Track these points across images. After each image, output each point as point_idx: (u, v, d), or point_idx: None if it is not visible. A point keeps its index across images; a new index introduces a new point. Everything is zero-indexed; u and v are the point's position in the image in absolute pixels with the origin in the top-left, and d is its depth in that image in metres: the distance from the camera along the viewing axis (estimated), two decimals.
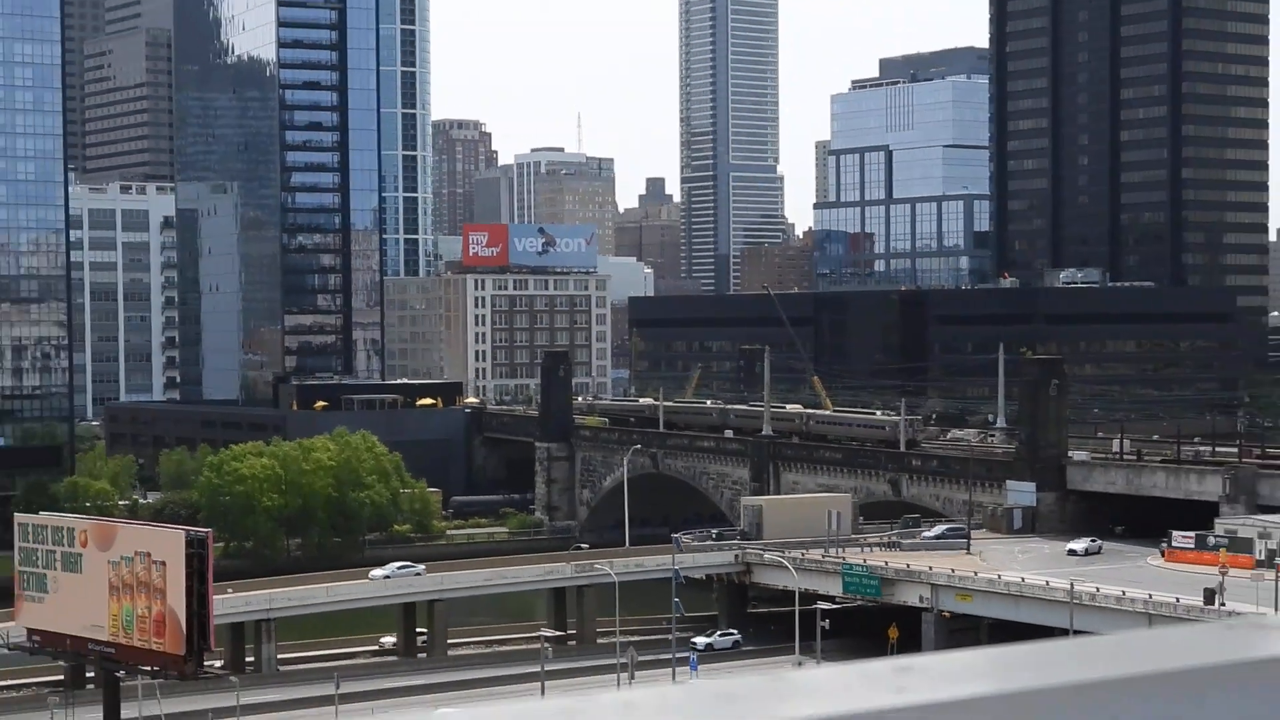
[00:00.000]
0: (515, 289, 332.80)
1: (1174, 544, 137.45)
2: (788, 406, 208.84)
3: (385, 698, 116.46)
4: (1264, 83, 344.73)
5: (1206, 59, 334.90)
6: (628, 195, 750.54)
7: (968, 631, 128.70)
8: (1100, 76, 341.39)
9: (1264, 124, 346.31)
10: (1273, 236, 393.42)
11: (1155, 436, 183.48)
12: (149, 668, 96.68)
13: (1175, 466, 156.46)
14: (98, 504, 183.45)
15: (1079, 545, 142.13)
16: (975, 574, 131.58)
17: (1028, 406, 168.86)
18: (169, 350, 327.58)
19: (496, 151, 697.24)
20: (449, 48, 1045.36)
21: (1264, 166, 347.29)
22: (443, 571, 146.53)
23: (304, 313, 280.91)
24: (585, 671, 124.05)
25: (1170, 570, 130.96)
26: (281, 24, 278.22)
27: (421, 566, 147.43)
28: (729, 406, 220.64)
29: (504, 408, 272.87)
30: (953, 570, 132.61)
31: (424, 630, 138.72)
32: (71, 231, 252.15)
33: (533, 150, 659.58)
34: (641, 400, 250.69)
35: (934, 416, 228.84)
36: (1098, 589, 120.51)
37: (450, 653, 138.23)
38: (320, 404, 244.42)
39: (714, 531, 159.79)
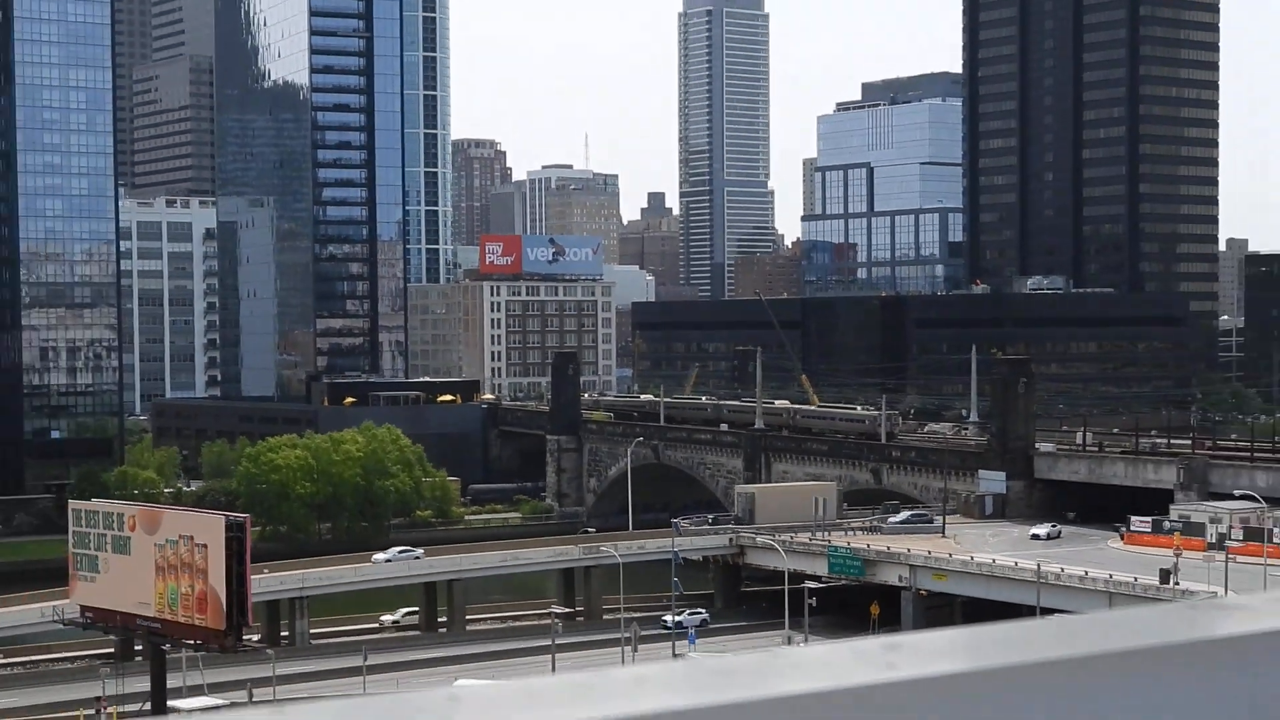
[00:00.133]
0: (528, 295, 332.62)
1: (1132, 528, 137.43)
2: (776, 402, 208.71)
3: (409, 669, 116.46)
4: (1214, 105, 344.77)
5: (1162, 84, 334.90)
6: (631, 208, 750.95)
7: (943, 608, 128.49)
8: (1064, 100, 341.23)
9: (1214, 143, 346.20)
10: (1222, 246, 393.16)
11: (1115, 430, 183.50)
12: (192, 641, 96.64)
13: (1133, 457, 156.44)
14: (145, 492, 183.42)
15: (1041, 530, 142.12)
16: (950, 556, 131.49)
17: (998, 402, 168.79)
18: (210, 351, 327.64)
19: (511, 168, 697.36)
20: (468, 73, 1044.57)
21: (1214, 182, 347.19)
22: (461, 554, 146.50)
23: (334, 316, 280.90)
24: (592, 645, 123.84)
25: (1129, 552, 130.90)
26: (314, 51, 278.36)
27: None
28: (722, 402, 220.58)
29: (517, 403, 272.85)
30: (929, 552, 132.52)
31: (422, 609, 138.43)
32: (121, 242, 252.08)
33: (544, 167, 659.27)
34: (643, 397, 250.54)
35: (912, 411, 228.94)
36: (1062, 569, 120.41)
37: (468, 628, 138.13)
38: (349, 400, 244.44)
39: (710, 517, 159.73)
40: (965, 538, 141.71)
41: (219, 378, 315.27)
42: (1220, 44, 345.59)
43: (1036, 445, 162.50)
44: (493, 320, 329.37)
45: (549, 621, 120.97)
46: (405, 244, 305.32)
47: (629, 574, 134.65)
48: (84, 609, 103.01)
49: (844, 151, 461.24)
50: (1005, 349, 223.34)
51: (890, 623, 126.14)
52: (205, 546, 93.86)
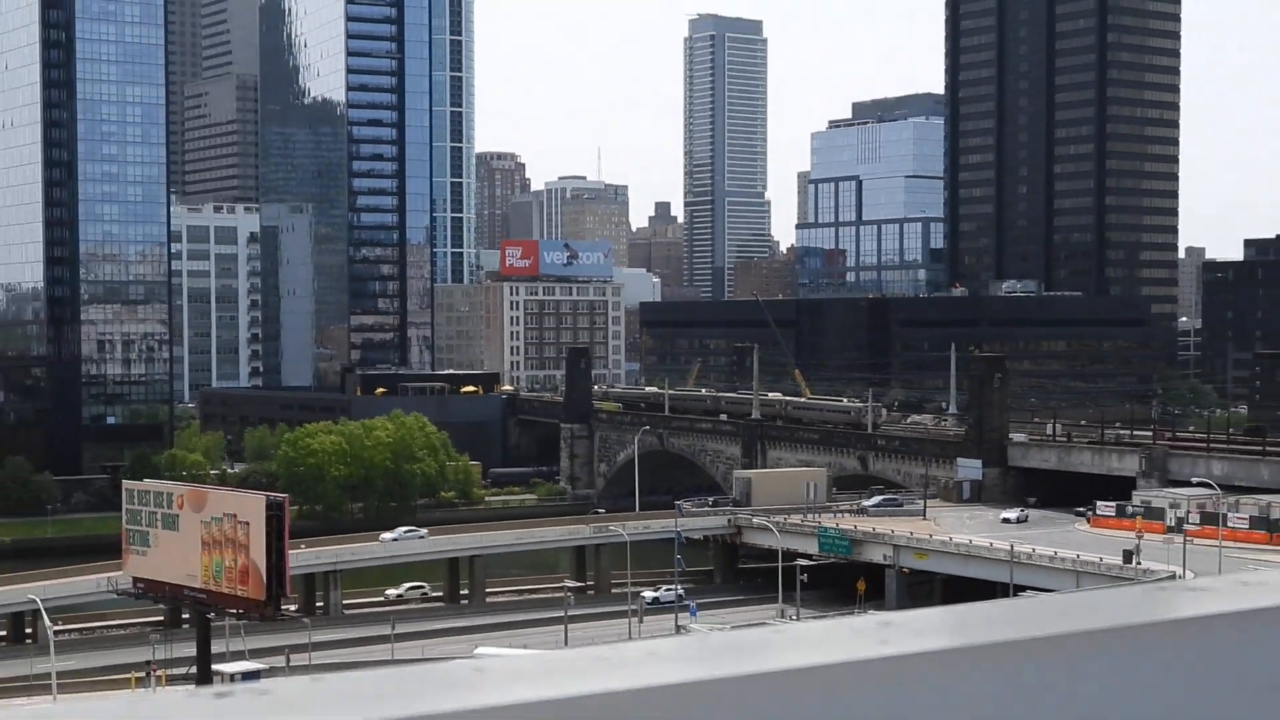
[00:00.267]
0: (544, 295, 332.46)
1: (1098, 512, 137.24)
2: (770, 394, 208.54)
3: (433, 637, 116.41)
4: (1175, 125, 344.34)
5: (1127, 105, 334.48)
6: (639, 216, 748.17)
7: (924, 585, 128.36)
8: (1037, 119, 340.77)
9: (1174, 160, 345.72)
10: (1181, 254, 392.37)
11: (1082, 422, 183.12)
12: (234, 611, 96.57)
13: (1099, 447, 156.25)
14: (192, 473, 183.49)
15: (1011, 514, 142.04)
16: (930, 536, 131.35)
17: (975, 396, 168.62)
18: (253, 344, 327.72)
19: (529, 179, 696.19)
20: (491, 91, 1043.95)
21: (1174, 195, 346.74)
22: (481, 532, 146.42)
23: (367, 314, 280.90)
24: (601, 616, 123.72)
25: (1095, 534, 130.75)
26: (350, 71, 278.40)
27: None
28: (721, 394, 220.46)
29: (534, 394, 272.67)
30: (911, 533, 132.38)
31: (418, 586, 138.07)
32: (172, 244, 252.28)
33: (559, 178, 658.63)
34: (649, 389, 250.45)
35: (896, 404, 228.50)
36: (1034, 550, 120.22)
37: (488, 600, 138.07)
38: (380, 390, 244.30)
39: (710, 499, 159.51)
40: (944, 520, 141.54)
41: (261, 369, 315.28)
42: (1181, 70, 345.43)
43: (1010, 435, 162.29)
44: (512, 318, 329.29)
45: (562, 595, 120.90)
46: (432, 247, 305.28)
47: (635, 552, 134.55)
48: (136, 580, 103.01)
49: (835, 165, 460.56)
50: (982, 347, 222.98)
51: (875, 598, 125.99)
52: (247, 524, 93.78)
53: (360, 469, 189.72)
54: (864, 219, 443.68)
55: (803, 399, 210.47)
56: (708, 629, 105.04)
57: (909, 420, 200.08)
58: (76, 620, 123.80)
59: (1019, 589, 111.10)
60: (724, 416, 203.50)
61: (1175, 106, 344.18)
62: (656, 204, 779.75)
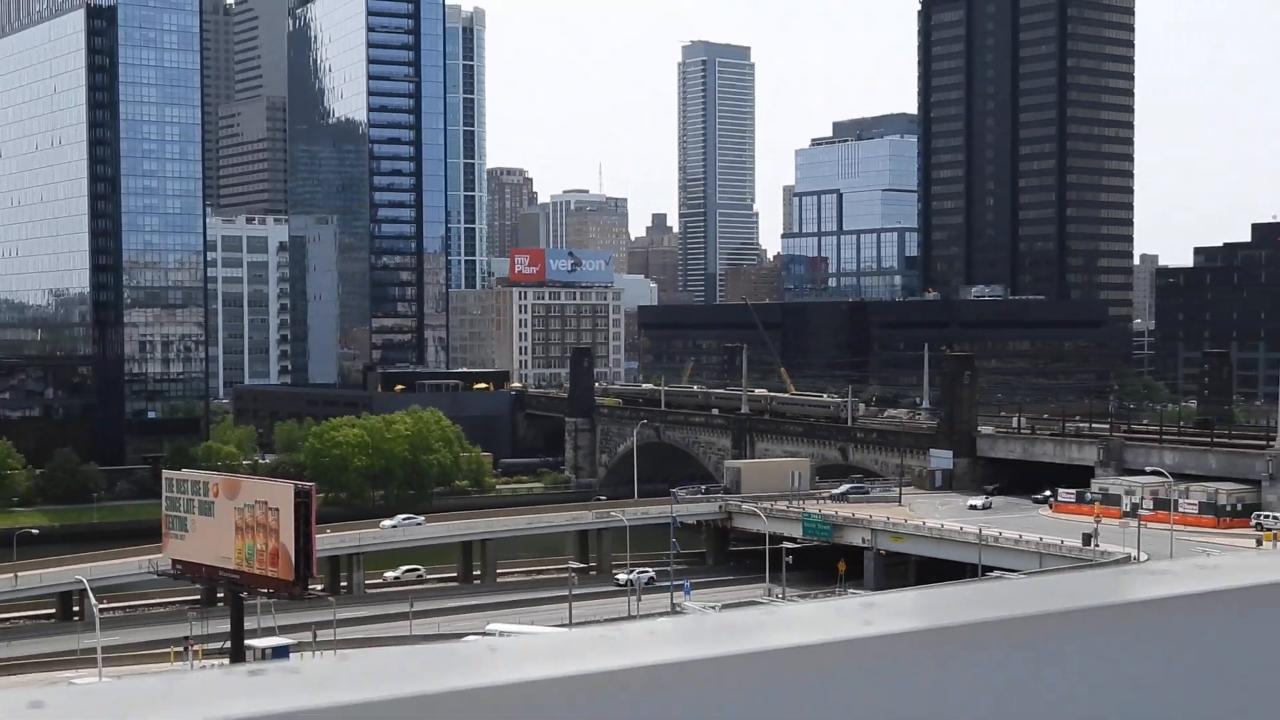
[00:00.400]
0: (550, 299, 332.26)
1: (1059, 499, 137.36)
2: (757, 391, 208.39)
3: (449, 614, 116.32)
4: (1130, 142, 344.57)
5: (1086, 124, 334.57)
6: (637, 226, 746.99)
7: (899, 566, 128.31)
8: (1003, 137, 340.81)
9: (1130, 174, 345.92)
10: (1136, 261, 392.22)
11: (1045, 415, 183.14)
12: (265, 590, 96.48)
13: (1060, 438, 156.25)
14: (226, 463, 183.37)
15: (977, 501, 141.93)
16: (905, 521, 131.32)
17: (946, 392, 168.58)
18: (282, 345, 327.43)
19: (536, 192, 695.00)
20: (501, 111, 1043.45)
21: (1130, 207, 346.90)
22: (492, 517, 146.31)
23: (387, 316, 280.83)
24: (602, 595, 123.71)
25: (1057, 519, 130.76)
26: (371, 93, 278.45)
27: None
28: (712, 391, 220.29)
29: (541, 391, 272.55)
30: (888, 518, 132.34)
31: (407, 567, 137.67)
32: (208, 253, 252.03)
33: (564, 191, 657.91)
34: (646, 386, 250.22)
35: (874, 399, 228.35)
36: (1000, 533, 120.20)
37: (498, 580, 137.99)
38: (399, 387, 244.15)
39: (703, 487, 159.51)
40: (918, 506, 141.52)
41: (289, 367, 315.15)
42: (1135, 92, 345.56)
43: (979, 428, 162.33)
44: (520, 320, 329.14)
45: (566, 575, 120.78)
46: (447, 256, 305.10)
47: (634, 535, 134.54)
48: (175, 562, 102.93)
49: (817, 180, 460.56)
50: (952, 347, 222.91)
51: (854, 577, 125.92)
52: (277, 510, 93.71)
53: (381, 460, 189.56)
54: (844, 229, 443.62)
55: (786, 395, 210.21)
56: (701, 606, 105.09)
57: (886, 414, 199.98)
58: (120, 599, 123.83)
59: (987, 569, 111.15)
60: (715, 411, 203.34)
61: (1130, 125, 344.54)
62: (653, 215, 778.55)
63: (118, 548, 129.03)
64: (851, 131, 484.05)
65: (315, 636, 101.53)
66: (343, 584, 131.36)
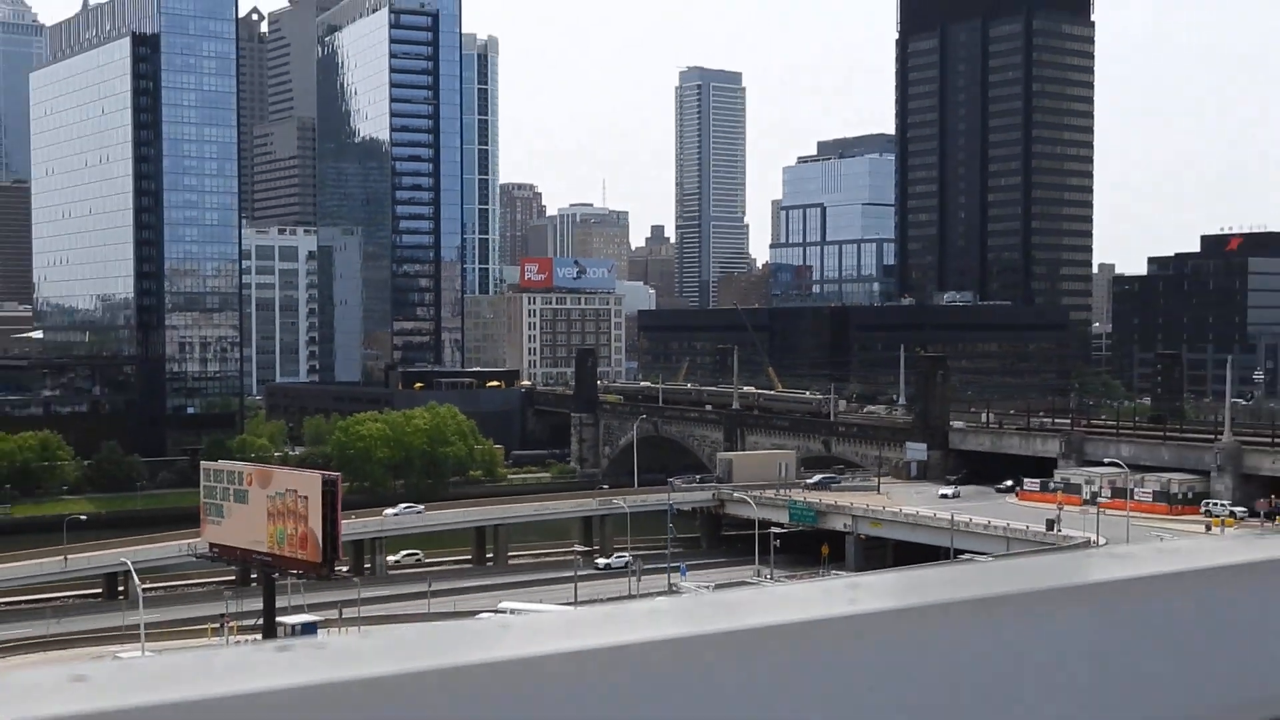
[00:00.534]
0: (557, 304, 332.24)
1: (1025, 487, 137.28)
2: (745, 388, 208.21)
3: (464, 594, 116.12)
4: (1090, 160, 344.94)
5: (1049, 144, 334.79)
6: (638, 237, 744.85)
7: (878, 549, 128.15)
8: (973, 156, 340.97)
9: (1090, 189, 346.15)
10: (1095, 269, 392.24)
11: (1011, 411, 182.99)
12: (295, 571, 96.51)
13: (1026, 432, 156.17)
14: (259, 455, 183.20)
15: (947, 490, 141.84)
16: (884, 508, 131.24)
17: (921, 389, 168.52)
18: (311, 345, 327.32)
19: (545, 206, 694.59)
20: (513, 131, 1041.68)
21: (1089, 220, 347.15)
22: (504, 505, 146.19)
23: (407, 320, 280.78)
24: (605, 575, 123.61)
25: (1022, 506, 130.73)
26: (393, 115, 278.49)
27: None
28: (705, 388, 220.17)
29: (548, 388, 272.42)
30: (868, 505, 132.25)
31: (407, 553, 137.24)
32: (242, 261, 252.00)
33: (570, 205, 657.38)
34: (645, 384, 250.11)
35: (854, 396, 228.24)
36: (970, 519, 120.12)
37: (509, 562, 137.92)
38: (418, 385, 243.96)
39: (697, 477, 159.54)
40: (895, 494, 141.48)
41: (317, 366, 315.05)
42: (1095, 114, 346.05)
43: (951, 423, 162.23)
44: (530, 324, 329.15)
45: (572, 558, 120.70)
46: (462, 264, 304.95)
47: (634, 521, 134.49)
48: (212, 545, 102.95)
49: (803, 194, 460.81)
50: (927, 348, 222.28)
51: (837, 560, 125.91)
52: (306, 498, 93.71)
53: (401, 451, 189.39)
54: (828, 240, 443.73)
55: (774, 392, 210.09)
56: (696, 586, 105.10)
57: (865, 410, 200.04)
58: (161, 580, 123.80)
59: (959, 553, 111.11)
60: (709, 407, 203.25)
61: (1090, 145, 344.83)
62: (652, 227, 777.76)
63: (159, 532, 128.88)
64: (834, 150, 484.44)
65: (341, 614, 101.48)
66: (366, 565, 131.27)
